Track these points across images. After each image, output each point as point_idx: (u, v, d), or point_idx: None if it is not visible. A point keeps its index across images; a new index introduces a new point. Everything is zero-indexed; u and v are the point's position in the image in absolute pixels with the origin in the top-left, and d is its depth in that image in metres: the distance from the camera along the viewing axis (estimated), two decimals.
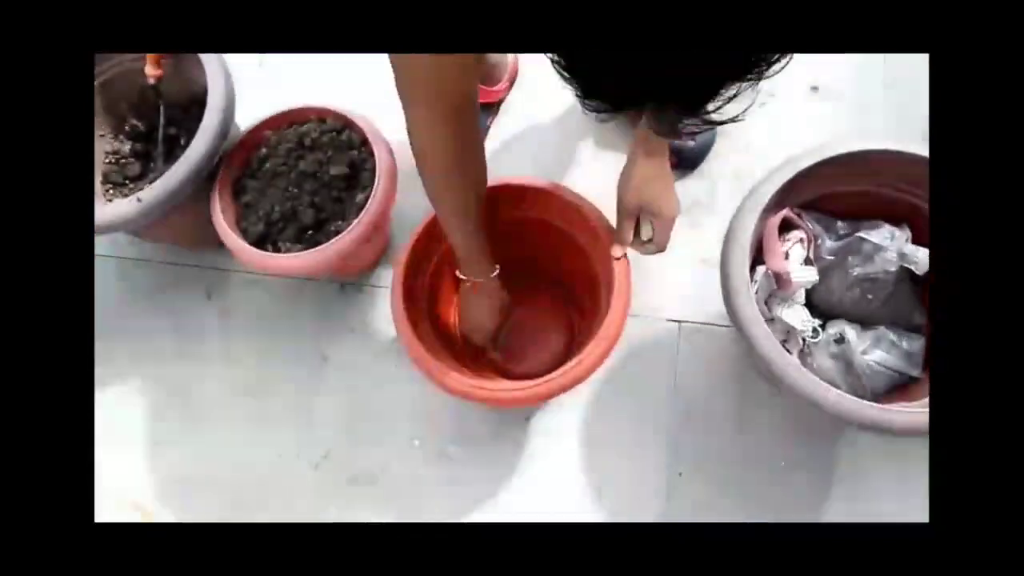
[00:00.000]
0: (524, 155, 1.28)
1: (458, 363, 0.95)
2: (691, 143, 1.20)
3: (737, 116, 0.52)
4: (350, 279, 1.23)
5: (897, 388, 0.95)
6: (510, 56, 1.30)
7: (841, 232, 0.98)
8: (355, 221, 1.01)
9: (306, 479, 1.13)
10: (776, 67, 0.45)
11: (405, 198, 1.08)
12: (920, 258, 0.92)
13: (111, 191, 1.16)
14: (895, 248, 0.94)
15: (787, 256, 0.94)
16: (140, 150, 1.19)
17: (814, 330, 0.95)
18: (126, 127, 1.21)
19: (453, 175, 0.81)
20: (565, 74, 0.47)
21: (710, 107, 0.49)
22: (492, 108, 1.29)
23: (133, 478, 1.16)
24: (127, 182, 1.17)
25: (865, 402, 0.79)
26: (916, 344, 0.95)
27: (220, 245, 1.07)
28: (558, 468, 1.09)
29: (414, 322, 0.92)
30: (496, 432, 1.12)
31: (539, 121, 1.30)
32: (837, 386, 0.90)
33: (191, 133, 1.04)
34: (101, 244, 1.30)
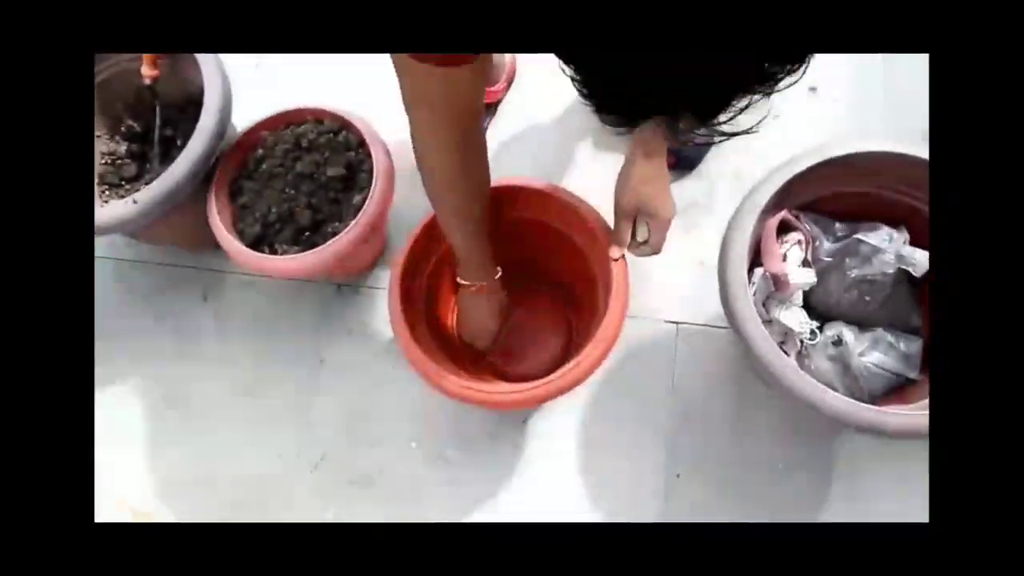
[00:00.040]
0: (522, 156, 1.28)
1: (456, 365, 0.95)
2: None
3: (751, 128, 0.52)
4: (347, 281, 1.23)
5: (895, 390, 0.95)
6: (508, 57, 1.29)
7: (839, 234, 0.98)
8: (352, 222, 1.01)
9: (305, 480, 1.13)
10: (790, 78, 0.45)
11: (402, 199, 1.08)
12: (918, 260, 0.92)
13: (107, 192, 1.16)
14: (893, 250, 0.94)
15: (785, 258, 0.94)
16: (136, 151, 1.19)
17: (812, 332, 0.95)
18: (122, 128, 1.21)
19: (456, 177, 0.80)
20: (583, 89, 0.47)
21: (723, 117, 0.48)
22: (490, 109, 1.29)
23: (132, 478, 1.16)
24: (123, 183, 1.17)
25: (861, 404, 0.79)
26: (914, 346, 0.95)
27: (217, 246, 1.06)
28: (556, 469, 1.09)
29: (412, 324, 0.92)
30: (494, 434, 1.12)
31: (537, 122, 1.30)
32: (835, 388, 0.90)
33: (187, 134, 1.03)
34: (98, 246, 1.30)
